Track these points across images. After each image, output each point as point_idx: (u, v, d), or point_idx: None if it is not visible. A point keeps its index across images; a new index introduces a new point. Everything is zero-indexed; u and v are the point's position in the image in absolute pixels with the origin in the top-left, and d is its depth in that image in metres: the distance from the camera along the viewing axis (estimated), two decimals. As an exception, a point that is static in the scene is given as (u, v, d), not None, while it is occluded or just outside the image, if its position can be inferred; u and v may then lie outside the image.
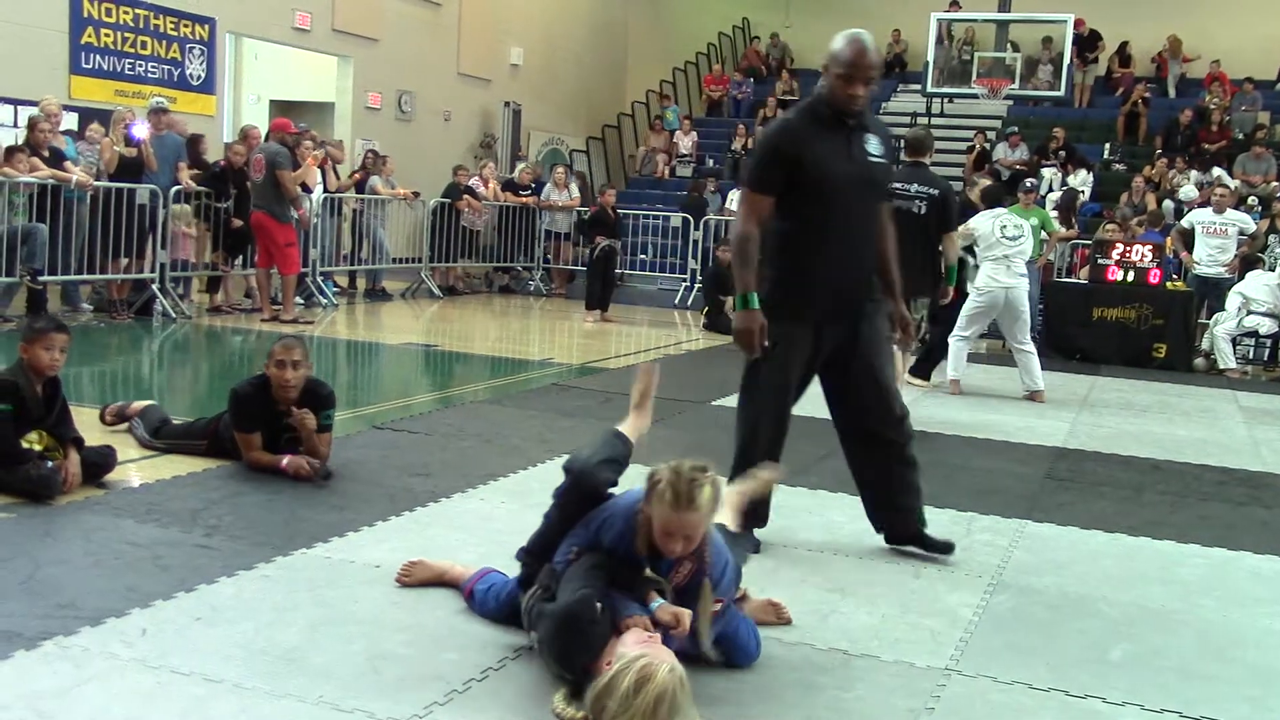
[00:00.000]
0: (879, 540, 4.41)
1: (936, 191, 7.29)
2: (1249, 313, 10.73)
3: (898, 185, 7.22)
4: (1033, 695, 3.13)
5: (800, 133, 4.07)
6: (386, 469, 5.14)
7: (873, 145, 4.12)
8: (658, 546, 2.98)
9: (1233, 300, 10.86)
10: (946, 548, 4.29)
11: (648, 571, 3.01)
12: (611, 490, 3.22)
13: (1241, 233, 11.82)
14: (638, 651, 2.70)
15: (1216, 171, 15.84)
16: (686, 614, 2.94)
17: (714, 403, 7.24)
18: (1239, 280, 11.14)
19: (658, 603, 2.96)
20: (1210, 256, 11.76)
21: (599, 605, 2.85)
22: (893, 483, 4.27)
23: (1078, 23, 18.39)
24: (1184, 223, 12.33)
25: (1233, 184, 14.70)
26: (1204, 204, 12.89)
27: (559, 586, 3.00)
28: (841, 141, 4.05)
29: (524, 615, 3.13)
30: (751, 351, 4.04)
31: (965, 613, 3.74)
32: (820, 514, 4.83)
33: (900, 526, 4.34)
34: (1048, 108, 19.71)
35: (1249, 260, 11.25)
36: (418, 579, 3.64)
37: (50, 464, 4.39)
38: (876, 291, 4.25)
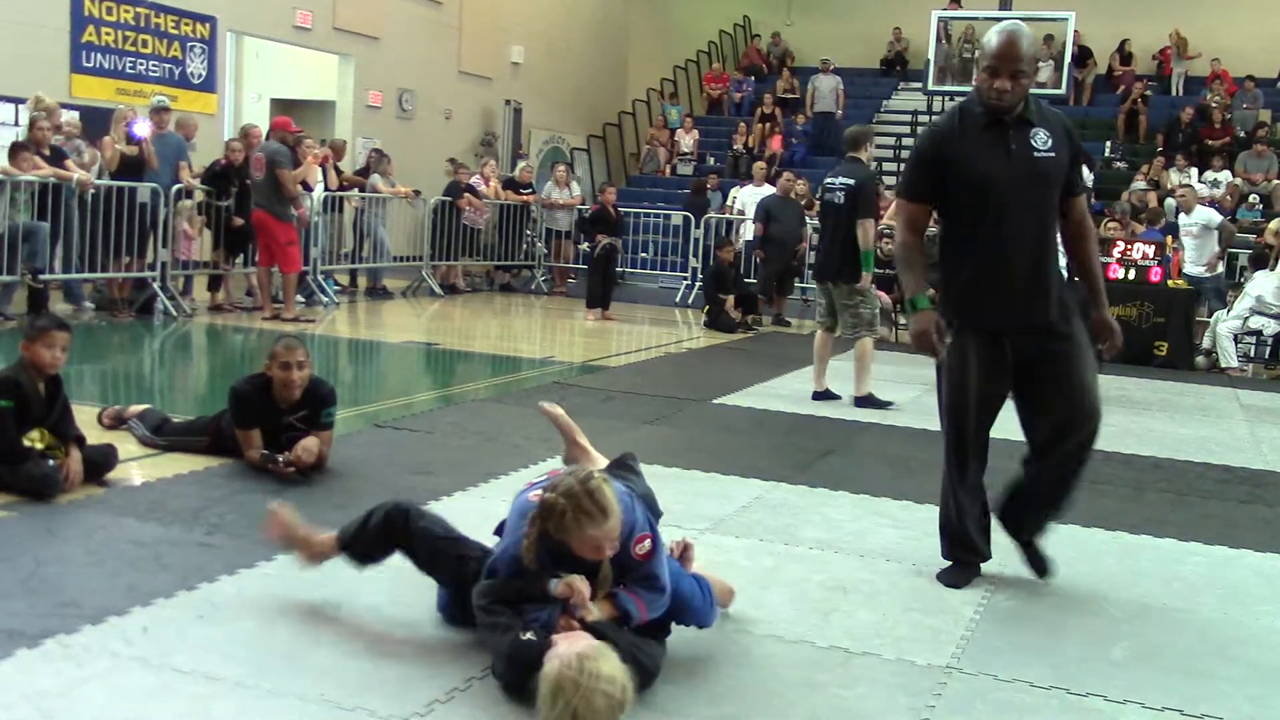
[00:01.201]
0: (880, 538, 4.42)
1: (854, 181, 7.42)
2: (1256, 313, 10.73)
3: (827, 180, 7.60)
4: (1034, 693, 3.13)
5: (947, 134, 3.91)
6: (388, 467, 5.14)
7: (1039, 139, 3.84)
8: (582, 559, 2.93)
9: (1244, 301, 10.84)
10: (1044, 569, 4.14)
11: (548, 573, 2.96)
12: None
13: (1206, 228, 11.87)
14: (549, 660, 2.70)
15: (1223, 173, 15.85)
16: (578, 579, 2.91)
17: (714, 401, 7.23)
18: (1224, 276, 11.16)
19: (553, 585, 2.92)
20: (1187, 258, 11.95)
21: (528, 636, 2.83)
22: (1056, 486, 4.06)
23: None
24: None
25: (1224, 178, 14.67)
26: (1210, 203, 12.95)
27: (489, 637, 3.00)
28: (998, 139, 3.84)
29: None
30: (932, 353, 3.84)
31: (966, 611, 3.74)
32: (821, 512, 4.83)
33: (1031, 527, 4.17)
34: (1048, 105, 19.68)
35: (1258, 259, 11.22)
36: None
37: (52, 462, 4.39)
38: (1070, 302, 3.95)
